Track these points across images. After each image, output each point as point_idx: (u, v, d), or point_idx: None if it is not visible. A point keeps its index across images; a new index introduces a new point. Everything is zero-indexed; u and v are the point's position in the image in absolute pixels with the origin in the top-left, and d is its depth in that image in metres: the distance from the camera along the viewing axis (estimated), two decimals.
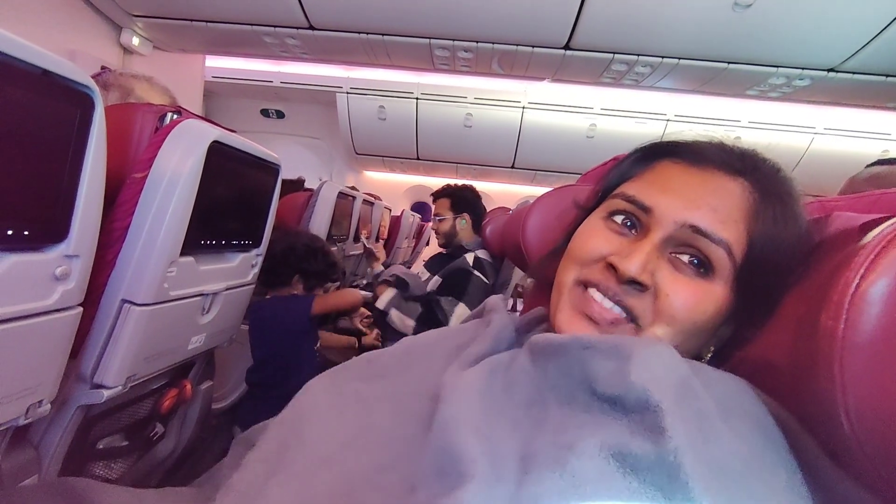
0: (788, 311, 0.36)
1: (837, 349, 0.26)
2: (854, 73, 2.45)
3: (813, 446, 0.30)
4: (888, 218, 0.30)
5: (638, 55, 2.52)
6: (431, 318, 1.72)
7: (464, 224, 2.03)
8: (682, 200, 0.40)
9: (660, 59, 2.53)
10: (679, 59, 2.52)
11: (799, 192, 0.42)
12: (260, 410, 1.38)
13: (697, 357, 0.42)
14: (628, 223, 0.43)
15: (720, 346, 0.43)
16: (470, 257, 1.85)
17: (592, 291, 0.41)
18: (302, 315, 1.38)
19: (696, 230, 0.38)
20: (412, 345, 0.56)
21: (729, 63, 2.50)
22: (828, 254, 0.36)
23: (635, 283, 0.39)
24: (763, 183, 0.41)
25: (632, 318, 0.40)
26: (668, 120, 4.03)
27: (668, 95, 3.73)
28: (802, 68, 2.48)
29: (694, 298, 0.38)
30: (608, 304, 0.40)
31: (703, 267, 0.39)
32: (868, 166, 1.16)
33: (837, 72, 2.47)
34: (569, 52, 2.54)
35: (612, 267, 0.40)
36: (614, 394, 0.32)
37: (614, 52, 2.52)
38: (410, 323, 1.72)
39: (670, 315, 0.38)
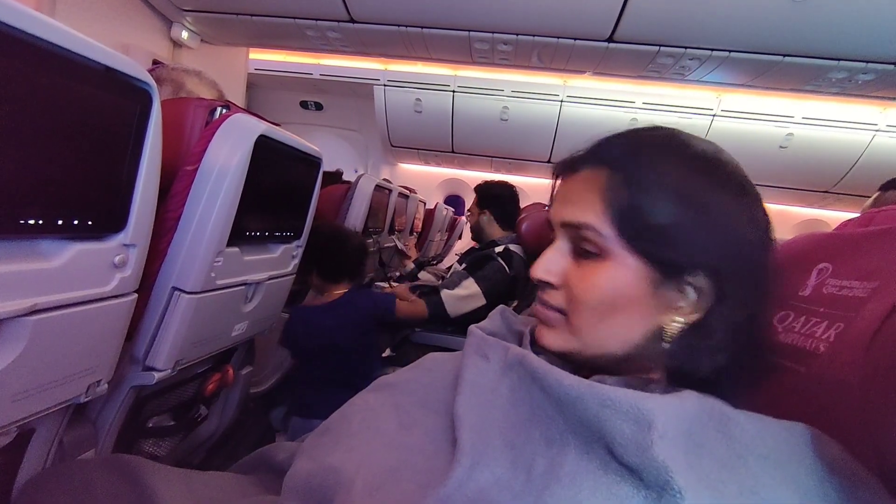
0: (857, 328, 0.34)
1: None
2: None
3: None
4: None
5: (685, 48, 2.42)
6: (435, 288, 1.78)
7: (486, 219, 2.02)
8: (556, 205, 0.48)
9: (709, 52, 2.42)
10: (730, 51, 2.40)
11: (664, 157, 0.43)
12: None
13: (657, 332, 0.41)
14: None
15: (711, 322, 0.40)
16: (499, 248, 1.85)
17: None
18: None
19: (566, 224, 0.45)
20: (423, 359, 0.58)
21: (785, 56, 2.37)
22: None
23: (543, 283, 0.46)
24: (616, 162, 0.44)
25: (557, 310, 0.45)
26: (714, 115, 3.86)
27: (715, 89, 3.58)
28: (867, 61, 2.31)
29: (589, 281, 0.43)
30: (541, 305, 0.47)
31: (587, 251, 0.43)
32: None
33: None
34: (612, 45, 2.47)
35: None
36: (633, 463, 0.31)
37: (660, 45, 2.43)
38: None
39: (577, 301, 0.43)
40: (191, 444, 1.08)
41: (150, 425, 0.92)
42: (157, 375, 0.78)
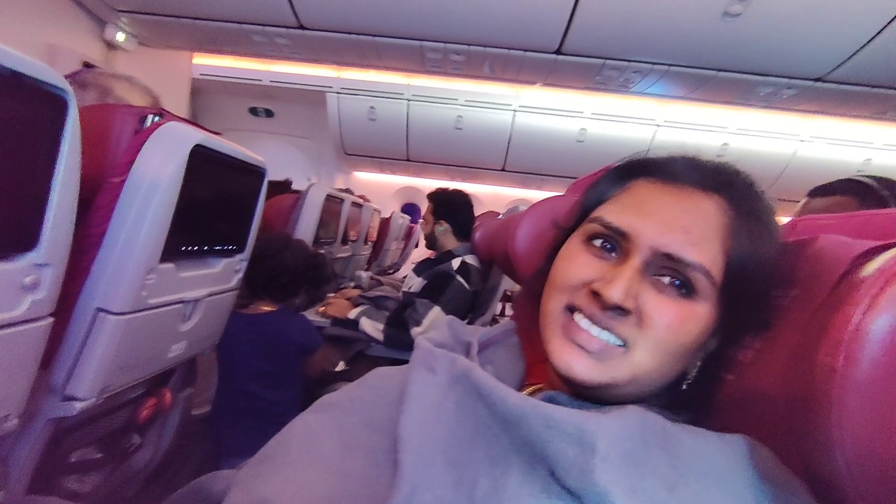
0: (781, 338, 0.36)
1: (835, 386, 0.25)
2: (840, 83, 2.49)
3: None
4: (885, 246, 0.30)
5: (629, 61, 2.54)
6: (401, 320, 1.71)
7: (441, 230, 2.00)
8: (656, 224, 0.40)
9: (650, 66, 2.55)
10: (669, 65, 2.54)
11: (772, 207, 0.43)
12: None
13: (683, 374, 0.42)
14: (608, 246, 0.43)
15: (706, 359, 0.42)
16: (456, 262, 1.83)
17: (579, 318, 0.41)
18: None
19: (669, 256, 0.38)
20: (368, 375, 0.55)
21: (718, 71, 2.53)
22: (818, 280, 0.35)
23: (619, 309, 0.38)
24: (737, 199, 0.41)
25: (620, 341, 0.39)
26: (657, 125, 4.06)
27: (658, 101, 3.76)
28: (790, 77, 2.51)
29: (678, 320, 0.38)
30: (595, 330, 0.39)
31: (685, 288, 0.38)
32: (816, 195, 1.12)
33: (824, 81, 2.51)
34: (560, 57, 2.55)
35: (595, 293, 0.39)
36: (575, 487, 0.31)
37: (605, 58, 2.53)
38: (380, 326, 1.71)
39: (655, 338, 0.38)
40: (122, 476, 1.00)
41: (73, 460, 0.85)
42: (78, 406, 0.72)
